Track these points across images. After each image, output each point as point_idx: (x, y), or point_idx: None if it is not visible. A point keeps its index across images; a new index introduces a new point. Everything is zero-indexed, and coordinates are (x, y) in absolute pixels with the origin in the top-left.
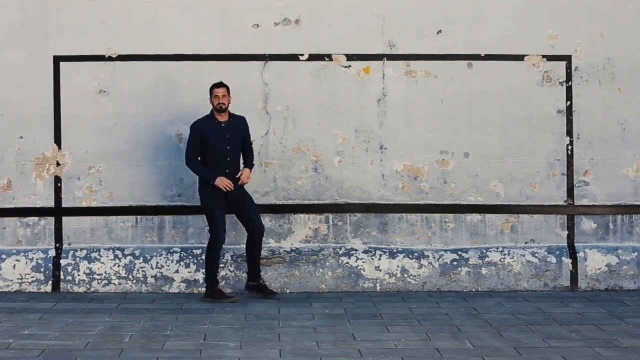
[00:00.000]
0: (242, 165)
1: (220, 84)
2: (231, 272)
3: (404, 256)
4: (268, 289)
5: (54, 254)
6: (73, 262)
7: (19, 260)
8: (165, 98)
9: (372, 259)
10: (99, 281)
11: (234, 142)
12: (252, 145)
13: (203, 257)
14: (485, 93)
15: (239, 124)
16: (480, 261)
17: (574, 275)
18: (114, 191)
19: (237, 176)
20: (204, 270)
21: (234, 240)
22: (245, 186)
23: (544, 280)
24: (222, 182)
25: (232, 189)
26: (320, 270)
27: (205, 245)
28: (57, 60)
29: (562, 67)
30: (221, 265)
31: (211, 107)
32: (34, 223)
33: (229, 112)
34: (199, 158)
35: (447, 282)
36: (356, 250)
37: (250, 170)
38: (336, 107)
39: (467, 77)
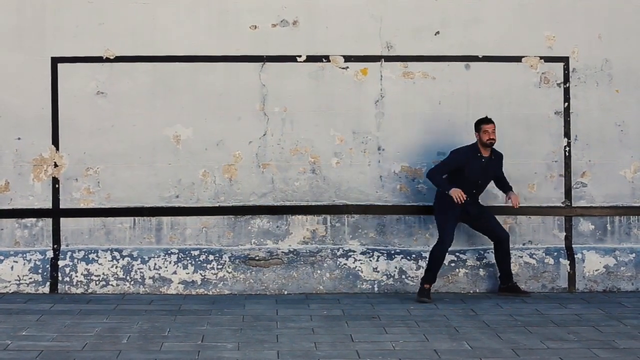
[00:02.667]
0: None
1: (490, 120)
2: (229, 273)
3: (402, 257)
4: (520, 289)
5: (52, 255)
6: (71, 263)
7: (16, 262)
8: (163, 99)
9: (370, 260)
10: (97, 282)
11: (488, 178)
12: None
13: (201, 258)
14: (483, 94)
15: (498, 162)
16: (478, 262)
17: (571, 277)
18: (111, 192)
19: (508, 198)
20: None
21: (231, 242)
22: (248, 187)
23: (541, 282)
24: (456, 193)
25: (464, 200)
26: (318, 271)
27: (203, 247)
28: (55, 61)
29: (559, 69)
30: (219, 266)
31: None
32: (31, 224)
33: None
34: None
35: (445, 283)
36: (354, 251)
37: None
38: (334, 108)
39: (464, 78)
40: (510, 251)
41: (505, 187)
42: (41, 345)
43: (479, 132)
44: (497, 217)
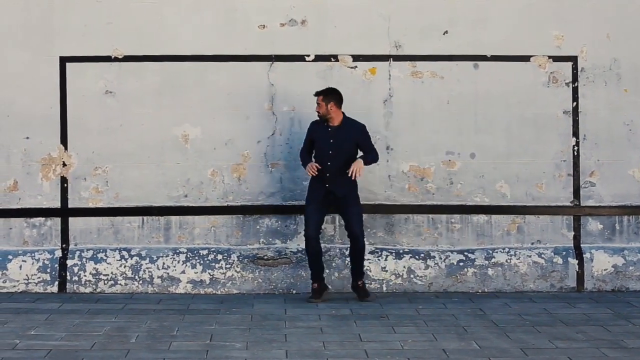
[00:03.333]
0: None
1: (316, 93)
2: (237, 272)
3: (410, 257)
4: (365, 294)
5: (60, 255)
6: (79, 262)
7: (25, 261)
8: (171, 99)
9: (379, 259)
10: (105, 282)
11: (339, 148)
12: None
13: (209, 258)
14: (492, 94)
15: (351, 132)
16: (487, 262)
17: (580, 276)
18: (120, 192)
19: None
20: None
21: (240, 241)
22: (257, 187)
23: (550, 281)
24: (308, 166)
25: (314, 171)
26: (327, 270)
27: (212, 246)
28: (63, 61)
29: (568, 68)
30: (227, 266)
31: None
32: (40, 224)
33: (345, 118)
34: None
35: (453, 282)
36: None
37: (366, 163)
38: (342, 107)
39: (473, 77)
40: (364, 253)
41: (366, 155)
42: (50, 344)
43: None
44: (504, 216)
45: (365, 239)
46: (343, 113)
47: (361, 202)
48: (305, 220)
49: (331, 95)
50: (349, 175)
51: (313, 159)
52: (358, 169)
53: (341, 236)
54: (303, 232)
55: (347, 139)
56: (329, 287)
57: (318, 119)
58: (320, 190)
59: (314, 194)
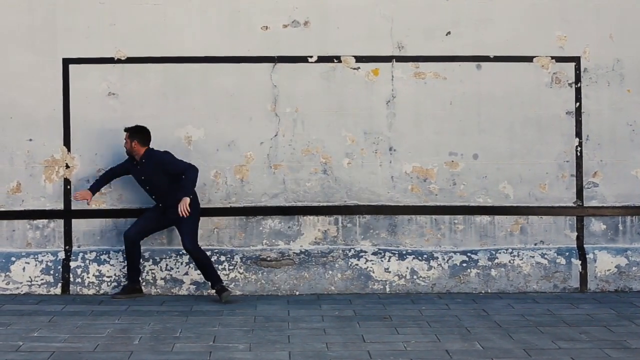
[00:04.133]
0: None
1: (124, 129)
2: (240, 274)
3: (414, 258)
4: (222, 290)
5: (64, 257)
6: (82, 264)
7: (28, 263)
8: (174, 100)
9: (382, 260)
10: (109, 283)
11: (148, 180)
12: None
13: (212, 259)
14: (494, 94)
15: (153, 164)
16: (490, 263)
17: (583, 277)
18: (123, 193)
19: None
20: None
21: (243, 243)
22: (260, 188)
23: (553, 282)
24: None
25: (79, 198)
26: (330, 272)
27: (215, 247)
28: (66, 62)
29: (571, 69)
30: (230, 267)
31: None
32: (43, 225)
33: (147, 150)
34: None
35: (456, 283)
36: (365, 252)
37: (186, 189)
38: (345, 108)
39: (476, 78)
40: (203, 263)
41: (180, 189)
42: (53, 346)
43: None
44: (507, 217)
45: (368, 240)
46: (148, 148)
47: (363, 203)
48: (136, 220)
49: (136, 134)
50: (182, 216)
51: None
52: (184, 208)
53: (344, 238)
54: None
55: (153, 170)
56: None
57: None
58: (160, 209)
59: (152, 207)
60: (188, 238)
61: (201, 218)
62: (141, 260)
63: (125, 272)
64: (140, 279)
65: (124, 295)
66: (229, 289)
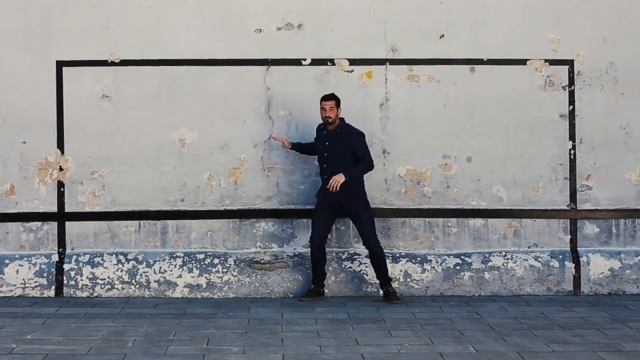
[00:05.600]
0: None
1: (327, 97)
2: (234, 276)
3: (407, 261)
4: (392, 296)
5: (57, 259)
6: (76, 267)
7: (22, 265)
8: (168, 103)
9: None
10: (102, 286)
11: (334, 152)
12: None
13: (206, 262)
14: (488, 97)
15: (346, 138)
16: (483, 266)
17: (576, 280)
18: (117, 196)
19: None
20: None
21: (237, 245)
22: (253, 191)
23: (546, 285)
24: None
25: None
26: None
27: (208, 250)
28: (60, 65)
29: (564, 72)
30: (224, 270)
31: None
32: (37, 228)
33: (343, 124)
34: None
35: (450, 286)
36: (359, 254)
37: (346, 177)
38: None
39: (469, 81)
40: (385, 259)
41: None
42: (46, 348)
43: (320, 108)
44: (501, 220)
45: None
46: (342, 118)
47: None
48: (312, 226)
49: (339, 102)
50: (328, 189)
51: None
52: (335, 183)
53: (337, 240)
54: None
55: (341, 143)
56: (326, 291)
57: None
58: (324, 194)
59: (320, 198)
60: (371, 230)
61: (194, 221)
62: (144, 262)
63: (119, 274)
64: (324, 282)
65: (310, 298)
66: (399, 297)
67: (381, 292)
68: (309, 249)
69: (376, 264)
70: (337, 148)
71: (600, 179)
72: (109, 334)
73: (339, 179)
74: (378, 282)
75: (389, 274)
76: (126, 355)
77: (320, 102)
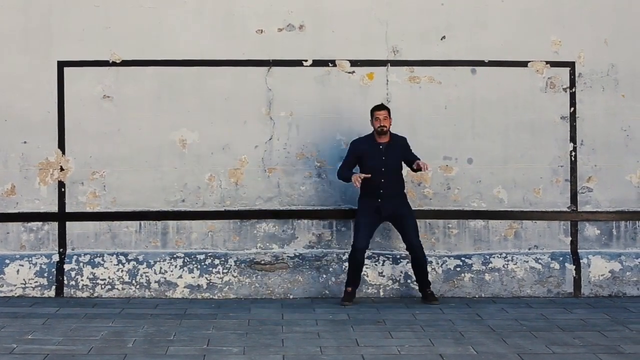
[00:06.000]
0: (401, 186)
1: (381, 107)
2: (234, 277)
3: (408, 262)
4: (430, 297)
5: (58, 259)
6: (76, 267)
7: (22, 265)
8: (169, 103)
9: (376, 264)
10: (103, 286)
11: (390, 164)
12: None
13: (206, 262)
14: (489, 99)
15: (400, 146)
16: (484, 267)
17: (577, 282)
18: (117, 196)
19: (414, 167)
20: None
21: (237, 246)
22: (254, 192)
23: (547, 287)
24: (354, 177)
25: (359, 181)
26: (324, 275)
27: (209, 251)
28: (61, 65)
29: (565, 74)
30: (224, 271)
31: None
32: (37, 228)
33: (390, 133)
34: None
35: (450, 288)
36: None
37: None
38: (340, 112)
39: (470, 83)
40: (427, 262)
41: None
42: (47, 349)
43: (372, 119)
44: (501, 221)
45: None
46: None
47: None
48: (355, 232)
49: (390, 111)
50: (422, 169)
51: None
52: (425, 163)
53: (338, 242)
54: (352, 242)
55: (397, 154)
56: (326, 292)
57: (359, 137)
58: (372, 206)
59: (366, 207)
60: (416, 233)
61: (194, 221)
62: (144, 262)
63: (119, 275)
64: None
65: (350, 301)
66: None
67: (421, 294)
68: (351, 252)
69: (420, 267)
70: (394, 160)
71: (601, 181)
72: (110, 335)
73: (425, 163)
74: (417, 284)
75: (390, 274)
76: (126, 356)
77: (374, 113)
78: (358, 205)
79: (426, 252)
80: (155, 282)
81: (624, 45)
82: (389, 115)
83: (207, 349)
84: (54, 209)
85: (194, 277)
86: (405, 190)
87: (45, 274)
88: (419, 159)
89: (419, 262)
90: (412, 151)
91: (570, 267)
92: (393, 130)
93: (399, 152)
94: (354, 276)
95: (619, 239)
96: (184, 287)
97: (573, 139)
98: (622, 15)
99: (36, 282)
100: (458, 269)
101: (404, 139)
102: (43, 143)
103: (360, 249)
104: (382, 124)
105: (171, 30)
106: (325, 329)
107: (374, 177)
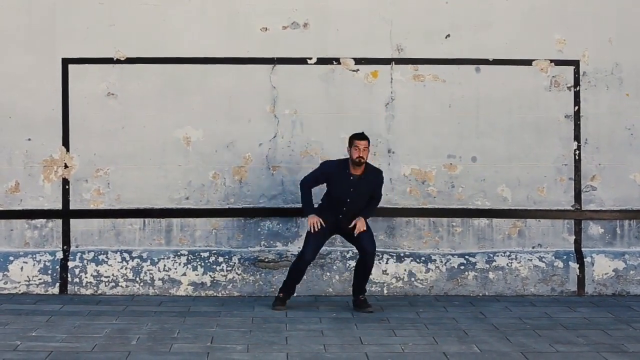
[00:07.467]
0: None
1: (363, 137)
2: (238, 275)
3: (411, 260)
4: (364, 304)
5: (62, 256)
6: (80, 264)
7: (26, 262)
8: (173, 101)
9: (380, 262)
10: (107, 283)
11: (359, 197)
12: (380, 194)
13: (210, 260)
14: (493, 98)
15: (373, 181)
16: (488, 265)
17: (581, 280)
18: (121, 194)
19: (351, 225)
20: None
21: (241, 244)
22: (258, 189)
23: (551, 285)
24: (311, 220)
25: (317, 229)
26: (328, 273)
27: (213, 249)
28: (66, 63)
29: (570, 72)
30: (228, 268)
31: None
32: (41, 225)
33: (366, 164)
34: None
35: (454, 286)
36: None
37: (366, 218)
38: (344, 110)
39: (475, 81)
40: (371, 270)
41: (368, 206)
42: (51, 346)
43: (350, 147)
44: (505, 220)
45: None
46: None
47: None
48: (306, 242)
49: (369, 142)
50: (354, 234)
51: (320, 202)
52: (363, 224)
53: (342, 239)
54: (300, 250)
55: (367, 189)
56: (330, 290)
57: (331, 160)
58: (331, 220)
59: (323, 218)
60: (372, 240)
61: (198, 219)
62: (148, 259)
63: (123, 272)
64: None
65: (284, 306)
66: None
67: (354, 302)
68: (297, 262)
69: (365, 271)
70: (362, 194)
71: (605, 180)
72: (113, 332)
73: (363, 227)
74: (353, 290)
75: (394, 272)
76: (130, 353)
77: (353, 140)
78: (316, 212)
79: (430, 250)
80: (159, 279)
81: (628, 44)
82: (368, 146)
83: (211, 346)
84: (58, 206)
85: (197, 275)
86: None
87: (49, 271)
88: (374, 202)
89: (367, 268)
90: (382, 188)
91: (574, 265)
92: (398, 127)
93: (370, 187)
94: (292, 285)
95: (623, 237)
96: (188, 285)
97: (577, 137)
98: (626, 14)
99: (40, 279)
100: (462, 267)
101: (379, 175)
102: (47, 140)
103: (308, 260)
104: (360, 155)
105: (175, 28)
106: (329, 327)
107: (338, 202)
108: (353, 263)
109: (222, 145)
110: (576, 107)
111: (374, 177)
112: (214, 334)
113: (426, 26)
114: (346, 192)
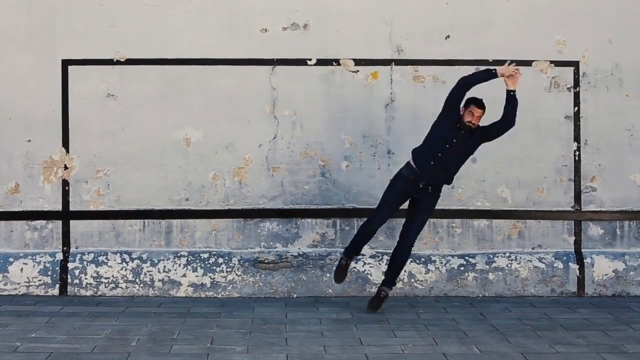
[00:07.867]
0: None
1: (481, 105)
2: (238, 276)
3: (411, 261)
4: (376, 302)
5: (62, 258)
6: (80, 265)
7: (26, 264)
8: (173, 102)
9: (380, 263)
10: (106, 285)
11: (459, 151)
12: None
13: (210, 261)
14: (493, 99)
15: (478, 135)
16: (488, 266)
17: (580, 281)
18: (121, 195)
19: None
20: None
21: (241, 245)
22: (258, 190)
23: (551, 286)
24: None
25: (512, 67)
26: (328, 274)
27: (213, 250)
28: (66, 64)
29: (569, 73)
30: (228, 269)
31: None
32: (41, 226)
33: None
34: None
35: (454, 287)
36: (363, 255)
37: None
38: (344, 111)
39: None
40: (405, 263)
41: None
42: (50, 347)
43: (465, 108)
44: (505, 221)
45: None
46: None
47: (362, 206)
48: (381, 204)
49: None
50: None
51: (425, 148)
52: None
53: (342, 241)
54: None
55: (471, 144)
56: (330, 291)
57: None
58: (409, 185)
59: (400, 185)
60: (416, 234)
61: (198, 220)
62: (148, 261)
63: (123, 273)
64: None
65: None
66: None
67: (381, 291)
68: (364, 224)
69: (399, 265)
70: (465, 149)
71: (605, 181)
72: (113, 333)
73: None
74: (384, 279)
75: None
76: (130, 354)
77: (470, 105)
78: (395, 177)
79: (430, 252)
80: (159, 280)
81: (628, 44)
82: (482, 116)
83: (211, 347)
84: (58, 207)
85: (197, 276)
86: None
87: (49, 273)
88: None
89: (402, 261)
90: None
91: (574, 266)
92: (398, 128)
93: (474, 145)
94: (359, 246)
95: (623, 238)
96: (188, 286)
97: (577, 138)
98: (626, 15)
99: (40, 280)
100: (462, 268)
101: (480, 127)
102: (47, 141)
103: (375, 229)
104: (472, 120)
105: (175, 29)
106: (329, 328)
107: (436, 147)
108: (353, 264)
109: (222, 146)
110: (576, 108)
111: (479, 130)
112: (214, 335)
113: (426, 27)
114: (450, 141)
